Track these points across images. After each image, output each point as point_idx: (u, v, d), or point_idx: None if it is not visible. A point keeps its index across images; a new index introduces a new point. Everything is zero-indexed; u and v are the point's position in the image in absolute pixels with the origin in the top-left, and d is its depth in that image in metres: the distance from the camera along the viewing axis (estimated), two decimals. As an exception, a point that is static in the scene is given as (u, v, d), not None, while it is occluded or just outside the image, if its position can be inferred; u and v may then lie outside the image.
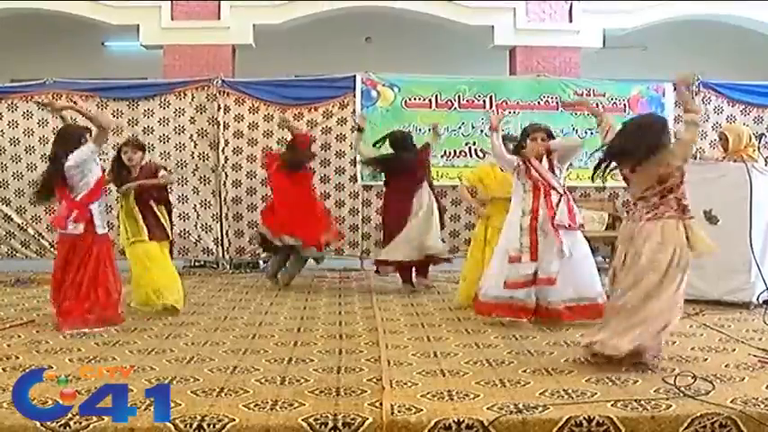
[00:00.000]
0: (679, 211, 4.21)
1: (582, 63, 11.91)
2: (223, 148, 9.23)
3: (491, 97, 9.36)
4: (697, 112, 4.41)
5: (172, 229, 6.66)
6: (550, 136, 5.74)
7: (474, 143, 9.33)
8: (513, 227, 5.63)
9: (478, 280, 5.98)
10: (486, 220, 6.55)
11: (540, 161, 5.63)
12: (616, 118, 9.02)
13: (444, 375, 4.06)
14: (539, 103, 9.38)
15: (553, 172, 5.64)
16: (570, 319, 5.48)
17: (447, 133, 9.27)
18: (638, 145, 4.18)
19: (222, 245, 9.33)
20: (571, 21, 11.90)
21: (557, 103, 9.32)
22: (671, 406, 3.40)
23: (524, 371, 4.15)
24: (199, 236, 9.29)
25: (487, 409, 3.37)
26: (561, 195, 5.61)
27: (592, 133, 8.98)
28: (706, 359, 4.45)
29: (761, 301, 6.13)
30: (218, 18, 11.62)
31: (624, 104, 9.44)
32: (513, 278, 5.53)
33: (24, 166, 9.07)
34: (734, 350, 4.71)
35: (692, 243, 4.20)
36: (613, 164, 4.37)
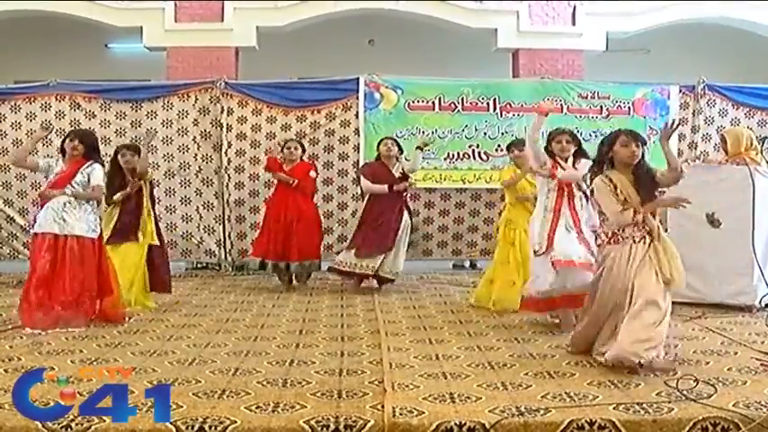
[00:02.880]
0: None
1: (585, 66, 11.91)
2: (226, 150, 9.24)
3: (495, 100, 9.36)
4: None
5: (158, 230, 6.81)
6: (574, 138, 5.75)
7: (477, 146, 9.32)
8: (536, 224, 5.67)
9: (507, 283, 6.33)
10: (508, 223, 6.66)
11: (566, 161, 5.65)
12: (620, 120, 9.20)
13: (446, 378, 4.06)
14: (542, 105, 9.36)
15: None
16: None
17: (450, 136, 9.28)
18: None
19: (225, 247, 9.33)
20: (574, 24, 11.90)
21: (561, 105, 9.33)
22: (673, 409, 3.40)
23: (526, 374, 4.14)
24: (201, 238, 9.30)
25: (489, 411, 3.37)
26: (588, 199, 5.63)
27: (596, 136, 8.97)
28: (708, 362, 4.44)
29: (763, 305, 6.12)
30: (222, 20, 11.63)
31: (629, 107, 9.43)
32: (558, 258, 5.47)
33: (27, 167, 9.07)
34: (736, 353, 4.69)
35: None
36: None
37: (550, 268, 5.47)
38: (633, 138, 4.46)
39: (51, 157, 8.21)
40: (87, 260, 5.68)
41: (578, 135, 5.90)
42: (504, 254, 6.59)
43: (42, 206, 5.80)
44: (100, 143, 8.85)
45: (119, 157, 6.66)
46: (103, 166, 6.00)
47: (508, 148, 7.05)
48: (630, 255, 4.35)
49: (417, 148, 7.60)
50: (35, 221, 5.85)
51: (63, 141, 5.96)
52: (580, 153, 5.67)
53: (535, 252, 5.59)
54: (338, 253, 9.12)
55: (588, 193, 5.61)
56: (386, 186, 7.46)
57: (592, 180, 4.63)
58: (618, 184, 4.41)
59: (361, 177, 7.74)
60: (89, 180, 5.75)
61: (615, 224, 4.44)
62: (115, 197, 6.50)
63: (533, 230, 5.67)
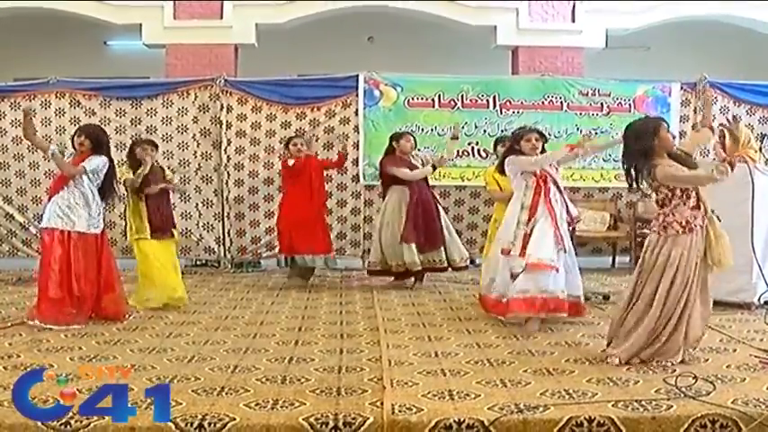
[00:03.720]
0: (660, 227, 4.39)
1: (584, 63, 11.89)
2: (225, 148, 9.23)
3: (494, 97, 9.34)
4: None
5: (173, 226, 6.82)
6: (542, 136, 5.84)
7: (477, 143, 9.31)
8: (510, 221, 5.68)
9: None
10: (495, 222, 6.67)
11: None
12: (621, 118, 9.18)
13: (445, 375, 4.07)
14: (543, 102, 9.34)
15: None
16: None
17: (450, 133, 9.26)
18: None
19: (224, 244, 9.33)
20: (574, 21, 11.87)
21: (561, 102, 9.32)
22: (672, 406, 3.40)
23: (525, 371, 4.15)
24: (201, 235, 9.30)
25: (488, 409, 3.37)
26: (561, 191, 5.72)
27: (596, 133, 8.99)
28: (707, 360, 4.44)
29: (762, 302, 6.12)
30: (221, 17, 11.61)
31: (630, 104, 9.40)
32: (514, 270, 5.54)
33: (27, 164, 9.08)
34: (735, 351, 4.71)
35: None
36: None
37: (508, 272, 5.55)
38: (668, 125, 4.54)
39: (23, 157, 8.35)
40: (90, 256, 5.67)
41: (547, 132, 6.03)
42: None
43: (50, 198, 5.77)
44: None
45: (137, 150, 6.59)
46: (111, 161, 5.91)
47: (496, 142, 7.06)
48: (695, 244, 4.31)
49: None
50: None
51: (73, 137, 5.93)
52: (545, 150, 5.83)
53: (503, 251, 5.59)
54: (339, 250, 9.16)
55: (561, 186, 5.69)
56: (430, 167, 7.64)
57: (646, 173, 4.44)
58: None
59: (395, 168, 7.56)
60: (89, 169, 5.70)
61: (701, 182, 4.32)
62: (148, 190, 6.48)
63: (507, 228, 5.67)
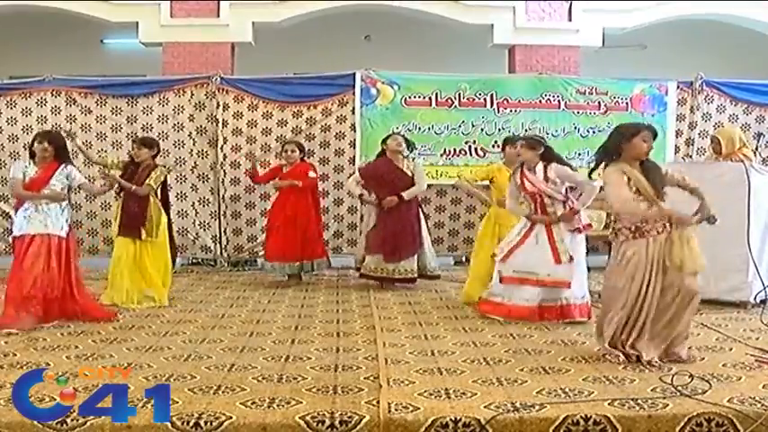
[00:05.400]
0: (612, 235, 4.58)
1: (581, 62, 11.91)
2: (222, 146, 9.22)
3: (492, 95, 9.33)
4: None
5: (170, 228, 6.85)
6: (529, 143, 5.79)
7: (474, 141, 9.31)
8: (514, 231, 5.88)
9: (488, 278, 6.22)
10: (494, 218, 6.67)
11: (535, 171, 5.73)
12: (618, 116, 9.18)
13: (442, 374, 4.07)
14: (540, 101, 9.34)
15: (547, 181, 5.71)
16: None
17: (447, 132, 9.28)
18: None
19: (220, 242, 9.32)
20: (570, 20, 11.91)
21: (558, 101, 9.32)
22: (668, 405, 3.41)
23: (522, 369, 4.15)
24: (197, 233, 9.29)
25: (485, 407, 3.37)
26: (563, 201, 5.71)
27: (594, 132, 9.01)
28: (703, 358, 4.45)
29: (758, 301, 6.13)
30: (218, 16, 11.63)
31: (627, 103, 9.40)
32: (505, 274, 5.78)
33: (23, 162, 9.06)
34: (731, 349, 4.72)
35: None
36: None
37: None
38: (653, 135, 4.49)
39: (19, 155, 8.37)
40: (56, 258, 5.60)
41: (545, 138, 6.11)
42: (483, 249, 6.62)
43: (17, 209, 5.80)
44: (96, 139, 9.04)
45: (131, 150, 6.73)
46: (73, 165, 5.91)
47: (505, 142, 6.99)
48: (650, 249, 4.33)
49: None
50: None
51: (32, 143, 5.82)
52: (547, 157, 5.74)
53: (493, 255, 5.89)
54: (335, 249, 9.16)
55: (563, 197, 5.72)
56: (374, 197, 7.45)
57: (596, 166, 4.60)
58: (631, 177, 4.38)
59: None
60: (69, 181, 5.73)
61: (625, 213, 4.40)
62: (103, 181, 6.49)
63: (509, 235, 5.88)
